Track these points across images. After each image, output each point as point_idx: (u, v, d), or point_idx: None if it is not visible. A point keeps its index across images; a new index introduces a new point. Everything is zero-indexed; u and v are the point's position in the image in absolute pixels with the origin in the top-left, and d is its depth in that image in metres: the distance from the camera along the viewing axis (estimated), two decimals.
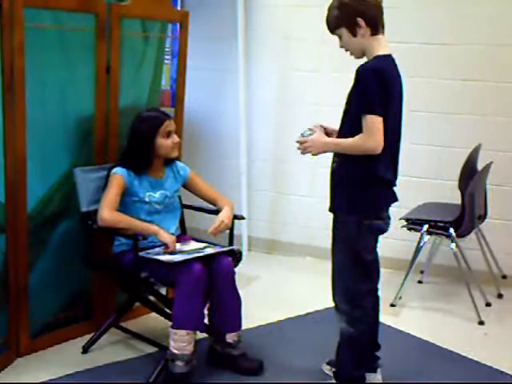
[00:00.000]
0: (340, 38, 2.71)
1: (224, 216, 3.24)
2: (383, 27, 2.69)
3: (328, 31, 2.74)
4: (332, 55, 4.60)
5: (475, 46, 4.33)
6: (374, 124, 2.54)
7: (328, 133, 2.80)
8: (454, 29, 4.37)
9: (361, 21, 2.61)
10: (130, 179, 3.17)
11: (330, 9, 2.70)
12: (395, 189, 2.80)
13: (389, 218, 2.80)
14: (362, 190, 2.69)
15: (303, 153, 2.77)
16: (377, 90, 2.55)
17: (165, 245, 3.07)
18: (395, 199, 2.79)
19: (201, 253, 3.11)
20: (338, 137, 2.74)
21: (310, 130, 2.76)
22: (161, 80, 3.96)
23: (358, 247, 2.74)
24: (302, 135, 2.76)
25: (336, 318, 2.87)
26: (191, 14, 3.76)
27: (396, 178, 2.78)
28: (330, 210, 2.81)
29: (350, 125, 2.67)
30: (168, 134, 3.21)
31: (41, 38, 3.06)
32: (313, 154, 2.75)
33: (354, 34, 2.65)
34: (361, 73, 2.59)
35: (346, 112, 2.73)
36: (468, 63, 4.36)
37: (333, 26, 2.70)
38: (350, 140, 2.61)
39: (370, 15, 2.63)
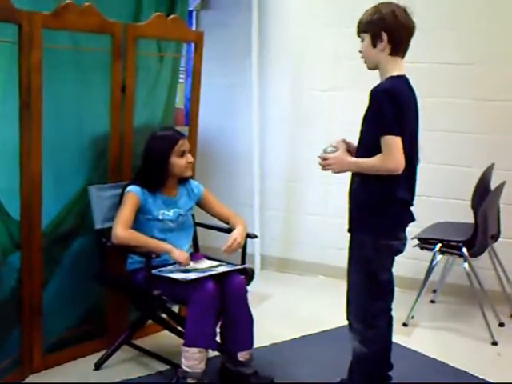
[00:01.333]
0: (362, 41, 2.72)
1: (237, 234, 3.25)
2: (405, 51, 2.69)
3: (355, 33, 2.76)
4: (346, 73, 4.67)
5: (489, 66, 4.34)
6: (393, 144, 2.55)
7: (350, 150, 2.80)
8: (467, 48, 4.39)
9: (384, 36, 2.62)
10: (144, 197, 3.20)
11: (366, 11, 2.70)
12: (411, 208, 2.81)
13: (405, 239, 2.80)
14: (379, 210, 2.69)
15: (324, 169, 2.76)
16: (391, 111, 2.56)
17: (178, 262, 3.09)
18: (412, 219, 2.79)
19: (213, 271, 3.12)
20: (356, 157, 2.75)
21: (333, 146, 2.74)
22: (175, 99, 4.01)
23: (374, 267, 2.73)
24: (325, 151, 2.75)
25: (349, 337, 2.86)
26: (206, 34, 3.79)
27: (413, 199, 2.78)
28: (349, 230, 2.81)
29: (366, 146, 2.69)
30: (182, 154, 3.23)
31: (58, 57, 3.12)
32: (333, 172, 2.76)
33: (374, 45, 2.65)
34: (375, 95, 2.60)
35: (362, 132, 2.74)
36: (482, 83, 4.37)
37: (361, 28, 2.71)
38: (371, 160, 2.62)
39: (396, 35, 2.63)
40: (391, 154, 2.56)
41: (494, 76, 4.34)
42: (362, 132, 2.74)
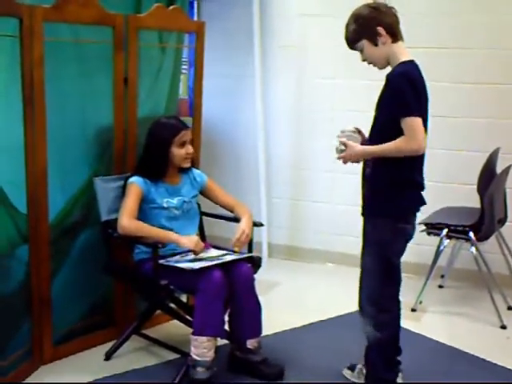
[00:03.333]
0: (361, 51, 2.73)
1: (244, 225, 3.25)
2: (401, 34, 2.72)
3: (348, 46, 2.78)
4: (348, 61, 4.63)
5: (493, 50, 4.33)
6: (414, 125, 2.56)
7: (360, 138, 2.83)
8: (473, 32, 4.37)
9: (381, 29, 2.65)
10: (146, 187, 3.21)
11: (347, 26, 2.74)
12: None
13: (415, 225, 2.81)
14: (396, 193, 2.71)
15: (345, 162, 2.77)
16: (411, 93, 2.58)
17: (191, 251, 3.10)
18: (424, 202, 2.80)
19: (220, 260, 3.13)
20: (369, 144, 2.75)
21: (351, 134, 2.76)
22: (178, 90, 4.01)
23: (389, 251, 2.76)
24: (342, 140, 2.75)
25: (361, 322, 2.86)
26: (208, 24, 3.79)
27: (424, 182, 2.79)
28: (363, 214, 2.81)
29: (381, 131, 2.70)
30: (183, 144, 3.24)
31: (60, 50, 3.12)
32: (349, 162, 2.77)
33: (376, 44, 2.68)
34: (392, 79, 2.63)
35: (376, 118, 2.75)
36: (486, 66, 4.36)
37: (353, 40, 2.73)
38: (391, 144, 2.62)
39: (388, 23, 2.67)
40: (414, 135, 2.57)
41: (498, 60, 4.33)
42: (376, 118, 2.75)
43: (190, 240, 3.10)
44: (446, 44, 4.41)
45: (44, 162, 3.04)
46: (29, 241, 3.06)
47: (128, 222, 3.09)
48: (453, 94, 4.44)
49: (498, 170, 4.07)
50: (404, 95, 2.58)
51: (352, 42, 2.74)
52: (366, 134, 2.85)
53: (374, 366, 2.90)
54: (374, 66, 2.76)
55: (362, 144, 2.79)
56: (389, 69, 2.73)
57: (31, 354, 3.15)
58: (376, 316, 2.80)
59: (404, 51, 2.71)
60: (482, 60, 4.35)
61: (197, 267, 3.00)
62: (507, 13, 4.28)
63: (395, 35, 2.69)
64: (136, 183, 3.20)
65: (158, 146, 3.23)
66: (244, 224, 3.27)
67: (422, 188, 2.77)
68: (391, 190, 2.71)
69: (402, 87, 2.58)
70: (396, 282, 2.86)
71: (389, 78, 2.64)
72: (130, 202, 3.15)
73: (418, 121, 2.57)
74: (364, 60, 2.76)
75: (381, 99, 2.72)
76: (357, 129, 2.83)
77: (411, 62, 2.70)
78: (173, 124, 3.27)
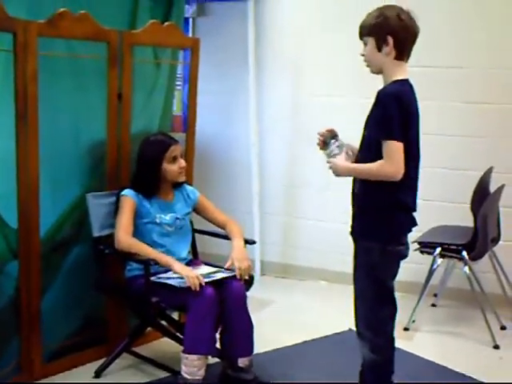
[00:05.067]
0: (365, 45, 2.67)
1: (235, 254, 3.21)
2: (409, 55, 2.65)
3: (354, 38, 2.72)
4: (344, 78, 4.68)
5: (487, 70, 4.35)
6: (394, 150, 2.50)
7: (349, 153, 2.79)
8: (465, 52, 4.39)
9: (390, 40, 2.57)
10: (139, 200, 3.21)
11: (369, 14, 2.65)
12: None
13: (408, 243, 2.78)
14: (385, 216, 2.65)
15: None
16: (397, 116, 2.51)
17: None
18: (415, 224, 2.77)
19: (212, 277, 3.11)
20: (358, 162, 2.72)
21: (339, 145, 2.72)
22: (172, 106, 4.02)
23: (382, 274, 2.70)
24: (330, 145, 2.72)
25: (359, 344, 2.83)
26: (203, 41, 3.80)
27: (416, 204, 2.75)
28: (352, 235, 2.79)
29: (369, 150, 2.64)
30: (174, 159, 3.24)
31: (54, 65, 3.13)
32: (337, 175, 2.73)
33: (379, 49, 2.60)
34: (381, 98, 2.56)
35: (364, 137, 2.70)
36: (480, 86, 4.38)
37: (364, 31, 2.65)
38: (369, 166, 2.58)
39: (401, 38, 2.58)
40: (391, 160, 2.51)
41: (493, 79, 4.34)
42: (364, 136, 2.70)
43: (182, 269, 3.05)
44: (443, 63, 4.42)
45: (36, 176, 3.03)
46: (19, 256, 3.04)
47: (125, 237, 3.09)
48: (446, 112, 4.45)
49: (492, 189, 4.08)
50: (390, 118, 2.52)
51: (363, 33, 2.66)
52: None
53: None
54: (367, 66, 2.71)
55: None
56: (378, 78, 2.70)
57: (20, 370, 3.11)
58: (373, 339, 2.76)
59: (403, 71, 2.64)
60: (478, 79, 4.36)
61: (188, 284, 2.97)
62: (507, 32, 4.30)
63: (401, 53, 2.61)
64: (129, 196, 3.20)
65: (149, 164, 3.23)
66: (234, 252, 3.22)
67: (413, 210, 2.71)
68: (380, 212, 2.65)
69: (390, 109, 2.52)
70: (392, 303, 2.81)
71: (379, 95, 2.57)
72: (126, 217, 3.15)
73: (399, 146, 2.50)
74: (362, 55, 2.71)
75: (369, 117, 2.66)
76: (332, 131, 2.78)
77: (406, 81, 2.64)
78: (161, 141, 3.28)
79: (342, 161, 2.70)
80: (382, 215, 2.65)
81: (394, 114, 2.52)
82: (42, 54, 2.97)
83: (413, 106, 2.63)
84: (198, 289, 2.95)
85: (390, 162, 2.52)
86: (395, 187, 2.59)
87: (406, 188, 2.64)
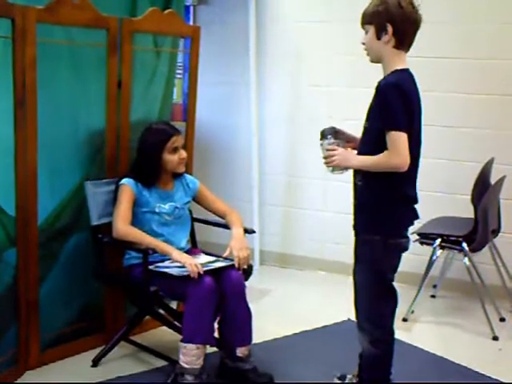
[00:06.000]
0: (366, 33, 2.64)
1: (233, 243, 3.20)
2: (410, 45, 2.62)
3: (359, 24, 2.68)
4: (344, 69, 4.66)
5: (488, 61, 4.32)
6: (399, 140, 2.48)
7: (349, 141, 2.77)
8: (465, 43, 4.36)
9: (389, 28, 2.54)
10: (138, 189, 3.20)
11: (371, 2, 2.62)
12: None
13: (408, 236, 2.77)
14: (387, 209, 2.63)
15: (326, 162, 2.70)
16: (400, 106, 2.49)
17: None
18: (417, 217, 2.74)
19: (211, 266, 3.10)
20: (359, 154, 2.70)
21: (333, 138, 2.69)
22: (172, 94, 3.99)
23: (383, 267, 2.69)
24: (326, 139, 2.69)
25: (359, 337, 2.82)
26: (204, 30, 3.79)
27: (417, 195, 2.73)
28: (354, 228, 2.77)
29: (371, 142, 2.62)
30: (175, 150, 3.22)
31: (52, 52, 3.10)
32: (332, 170, 2.70)
33: (379, 37, 2.58)
34: (382, 88, 2.53)
35: (365, 129, 2.67)
36: (481, 77, 4.35)
37: (365, 19, 2.63)
38: (375, 157, 2.56)
39: (401, 27, 2.55)
40: (397, 151, 2.49)
41: (494, 71, 4.31)
42: (365, 127, 2.67)
43: (181, 257, 3.04)
44: (444, 54, 4.39)
45: (34, 164, 3.01)
46: (17, 244, 3.03)
47: (124, 226, 3.08)
48: (447, 103, 4.43)
49: (493, 180, 4.06)
50: (393, 108, 2.49)
51: (364, 20, 2.63)
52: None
53: (368, 380, 2.86)
54: (367, 55, 2.67)
55: (349, 142, 2.75)
56: (379, 69, 2.68)
57: (17, 358, 3.11)
58: (373, 332, 2.75)
59: (402, 61, 2.61)
60: (479, 70, 4.33)
61: (187, 273, 2.97)
62: (509, 22, 4.26)
63: (401, 42, 2.58)
64: (128, 185, 3.19)
65: (149, 153, 3.21)
66: (233, 241, 3.21)
67: (415, 202, 2.70)
68: (382, 205, 2.64)
69: (392, 99, 2.50)
70: (392, 296, 2.80)
71: (380, 86, 2.55)
72: (124, 206, 3.14)
73: (403, 136, 2.49)
74: (363, 43, 2.68)
75: (370, 109, 2.64)
76: (334, 128, 2.75)
77: (406, 70, 2.62)
78: (163, 130, 3.25)
79: (349, 152, 2.68)
80: (384, 208, 2.64)
81: (396, 104, 2.50)
82: (41, 41, 2.94)
83: (414, 95, 2.60)
84: (196, 276, 2.94)
85: (396, 153, 2.50)
86: (397, 179, 2.57)
87: (407, 180, 2.63)
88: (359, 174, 2.68)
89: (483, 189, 3.94)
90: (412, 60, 2.66)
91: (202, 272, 2.97)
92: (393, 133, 2.49)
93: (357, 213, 2.74)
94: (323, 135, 2.72)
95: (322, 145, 2.72)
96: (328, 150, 2.69)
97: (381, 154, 2.54)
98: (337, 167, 2.69)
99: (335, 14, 4.64)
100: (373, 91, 2.59)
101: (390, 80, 2.57)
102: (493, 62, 4.31)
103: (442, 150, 4.47)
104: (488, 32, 4.29)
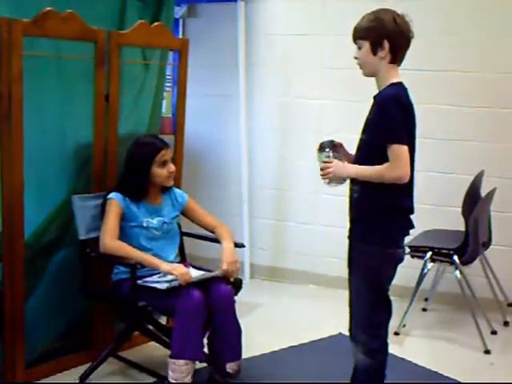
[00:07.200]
0: (359, 48, 2.64)
1: (224, 256, 3.19)
2: (402, 59, 2.64)
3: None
4: (334, 82, 4.65)
5: (481, 74, 4.33)
6: (401, 153, 2.50)
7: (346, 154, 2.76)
8: (458, 56, 4.37)
9: (386, 44, 2.55)
10: (125, 204, 3.17)
11: (364, 17, 2.63)
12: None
13: (404, 247, 2.76)
14: (385, 219, 2.63)
15: (323, 174, 2.68)
16: (401, 119, 2.51)
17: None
18: (413, 226, 2.75)
19: (199, 278, 3.07)
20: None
21: (331, 151, 2.68)
22: (161, 107, 3.98)
23: (380, 277, 2.68)
24: (324, 151, 2.68)
25: (352, 348, 2.80)
26: (193, 43, 3.78)
27: (413, 206, 2.72)
28: (350, 238, 2.75)
29: (368, 154, 2.62)
30: (164, 163, 3.20)
31: (39, 65, 3.08)
32: (329, 182, 2.68)
33: (374, 53, 2.58)
34: (381, 101, 2.55)
35: (362, 141, 2.67)
36: (471, 90, 4.36)
37: (359, 35, 2.62)
38: (376, 168, 2.56)
39: (397, 44, 2.57)
40: (400, 163, 2.50)
41: (486, 84, 4.32)
42: (362, 139, 2.67)
43: (171, 266, 3.03)
44: (436, 66, 4.40)
45: (20, 178, 2.98)
46: (3, 259, 2.98)
47: (111, 241, 3.05)
48: (438, 116, 4.43)
49: (483, 193, 4.06)
50: (394, 121, 2.51)
51: (357, 36, 2.63)
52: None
53: None
54: (360, 68, 2.68)
55: (347, 156, 2.74)
56: (372, 82, 2.67)
57: (3, 376, 3.06)
58: (368, 343, 2.73)
59: (396, 74, 2.62)
60: (471, 83, 4.34)
61: (175, 285, 2.94)
62: (500, 35, 4.28)
63: (396, 58, 2.59)
64: (115, 199, 3.16)
65: (138, 166, 3.19)
66: (224, 255, 3.20)
67: (412, 212, 2.70)
68: (380, 216, 2.63)
69: (393, 112, 2.51)
70: (387, 308, 2.78)
71: (378, 100, 2.56)
72: (112, 221, 3.11)
73: (405, 149, 2.50)
74: (356, 58, 2.68)
75: (368, 122, 2.64)
76: (333, 142, 2.75)
77: (400, 84, 2.63)
78: (152, 144, 3.23)
79: (345, 163, 2.67)
80: (382, 219, 2.63)
81: (398, 118, 2.51)
82: (27, 54, 2.92)
83: (410, 108, 2.62)
84: (188, 281, 2.94)
85: (399, 166, 2.51)
86: (395, 190, 2.58)
87: (404, 191, 2.63)
88: (356, 185, 2.68)
89: (474, 201, 3.94)
90: (403, 73, 2.65)
91: (191, 279, 2.96)
92: (395, 146, 2.50)
93: (354, 223, 2.72)
94: (321, 148, 2.71)
95: (319, 157, 2.71)
96: (325, 161, 2.68)
97: (382, 166, 2.54)
98: (333, 180, 2.68)
99: (324, 28, 4.65)
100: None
101: (389, 93, 2.57)
102: (482, 75, 4.31)
103: (432, 163, 4.46)
104: (480, 45, 4.30)
